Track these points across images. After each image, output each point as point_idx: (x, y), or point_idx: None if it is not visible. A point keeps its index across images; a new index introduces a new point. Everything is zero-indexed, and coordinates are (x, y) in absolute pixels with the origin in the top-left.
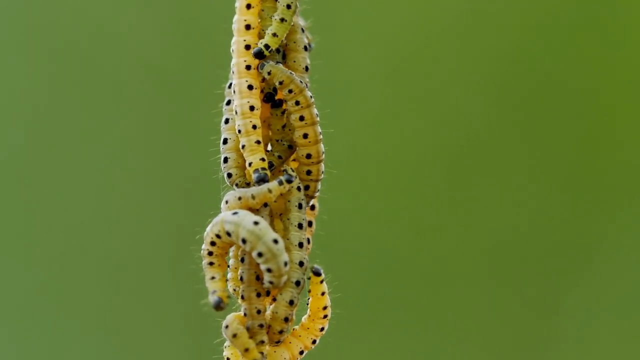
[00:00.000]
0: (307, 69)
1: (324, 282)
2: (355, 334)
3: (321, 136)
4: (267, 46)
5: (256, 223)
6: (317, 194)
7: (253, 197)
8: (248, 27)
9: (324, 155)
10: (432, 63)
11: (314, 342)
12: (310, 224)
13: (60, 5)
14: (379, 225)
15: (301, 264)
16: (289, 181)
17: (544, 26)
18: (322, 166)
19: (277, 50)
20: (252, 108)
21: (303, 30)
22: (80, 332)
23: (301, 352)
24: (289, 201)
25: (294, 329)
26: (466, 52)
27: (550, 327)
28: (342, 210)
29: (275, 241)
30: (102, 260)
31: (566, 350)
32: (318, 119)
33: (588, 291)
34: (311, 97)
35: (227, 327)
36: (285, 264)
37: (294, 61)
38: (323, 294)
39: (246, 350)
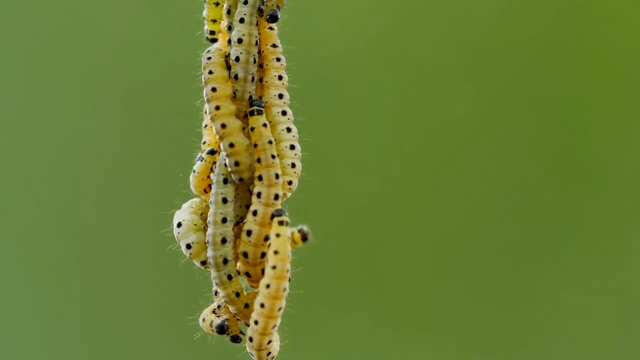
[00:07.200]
0: (239, 41)
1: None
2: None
3: (215, 113)
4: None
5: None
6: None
7: (191, 184)
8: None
9: (223, 129)
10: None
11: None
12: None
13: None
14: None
15: (224, 241)
16: (212, 152)
17: (539, 25)
18: (226, 142)
19: (229, 28)
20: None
21: (246, 2)
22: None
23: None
24: None
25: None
26: (453, 45)
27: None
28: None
29: (179, 224)
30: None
31: (542, 338)
32: (209, 97)
33: (561, 278)
34: (210, 72)
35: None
36: (188, 246)
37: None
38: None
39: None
